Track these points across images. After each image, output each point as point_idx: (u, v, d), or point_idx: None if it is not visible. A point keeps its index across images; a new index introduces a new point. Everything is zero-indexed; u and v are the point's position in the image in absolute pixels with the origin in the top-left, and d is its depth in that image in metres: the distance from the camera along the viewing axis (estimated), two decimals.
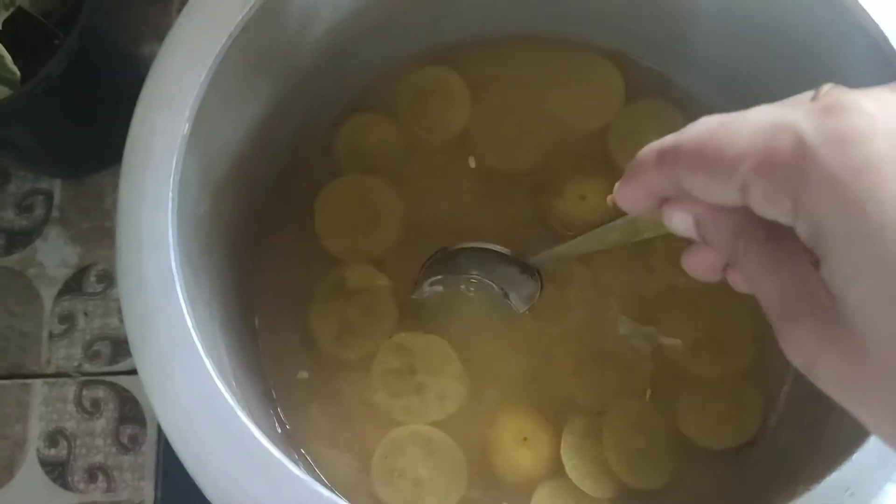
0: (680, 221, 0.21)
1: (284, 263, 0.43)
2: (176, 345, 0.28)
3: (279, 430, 0.40)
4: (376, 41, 0.41)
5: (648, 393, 0.41)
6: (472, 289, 0.43)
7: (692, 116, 0.45)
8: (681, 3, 0.38)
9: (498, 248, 0.41)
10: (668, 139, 0.20)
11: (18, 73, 0.40)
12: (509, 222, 0.43)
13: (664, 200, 0.21)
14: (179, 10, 0.33)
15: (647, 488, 0.39)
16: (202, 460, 0.28)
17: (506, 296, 0.42)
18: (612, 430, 0.40)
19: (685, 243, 0.23)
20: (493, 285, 0.42)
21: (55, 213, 0.51)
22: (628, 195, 0.22)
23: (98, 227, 0.51)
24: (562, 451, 0.39)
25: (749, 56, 0.38)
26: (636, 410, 0.41)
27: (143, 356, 0.28)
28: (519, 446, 0.40)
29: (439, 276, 0.42)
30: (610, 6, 0.41)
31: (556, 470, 0.40)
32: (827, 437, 0.33)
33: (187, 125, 0.30)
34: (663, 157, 0.20)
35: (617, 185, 0.23)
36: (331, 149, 0.44)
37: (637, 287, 0.42)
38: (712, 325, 0.41)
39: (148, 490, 0.46)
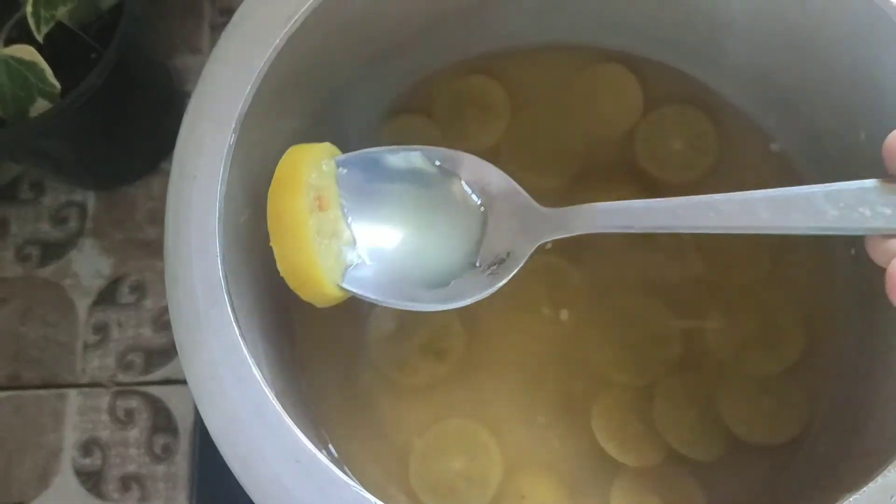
0: None
1: None
2: (225, 352, 0.29)
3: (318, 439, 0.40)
4: (412, 52, 0.41)
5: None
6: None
7: (722, 119, 0.45)
8: (714, 7, 0.39)
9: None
10: None
11: (59, 86, 0.40)
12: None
13: None
14: (211, 24, 0.33)
15: (697, 459, 0.39)
16: (250, 466, 0.28)
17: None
18: (665, 400, 0.40)
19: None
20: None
21: (89, 225, 0.52)
22: None
23: (131, 238, 0.51)
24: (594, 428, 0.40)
25: (784, 60, 0.38)
26: (691, 383, 0.41)
27: (192, 363, 0.29)
28: None
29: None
30: (641, 14, 0.42)
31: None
32: (867, 446, 0.33)
33: (233, 136, 0.30)
34: None
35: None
36: None
37: (686, 280, 0.42)
38: (761, 320, 0.41)
39: (181, 500, 0.46)
